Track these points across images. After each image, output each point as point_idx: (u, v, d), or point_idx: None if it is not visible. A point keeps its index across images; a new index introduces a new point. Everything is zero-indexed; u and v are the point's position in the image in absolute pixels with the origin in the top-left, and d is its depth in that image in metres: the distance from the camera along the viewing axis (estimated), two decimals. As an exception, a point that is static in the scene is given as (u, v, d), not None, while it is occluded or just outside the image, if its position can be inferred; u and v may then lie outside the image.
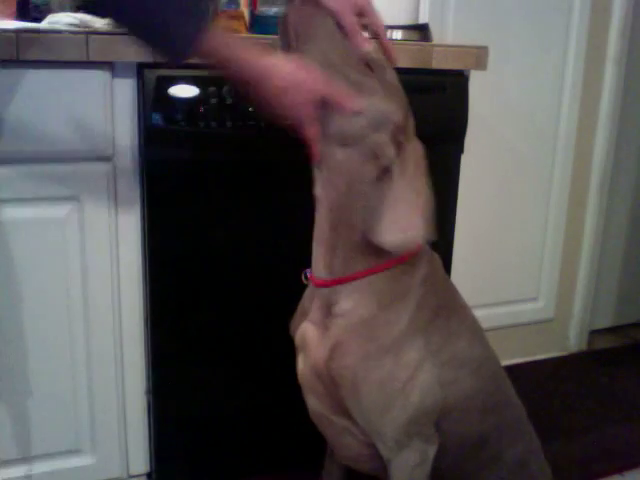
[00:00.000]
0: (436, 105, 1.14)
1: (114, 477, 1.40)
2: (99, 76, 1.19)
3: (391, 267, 1.02)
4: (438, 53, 1.41)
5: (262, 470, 1.53)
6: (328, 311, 1.05)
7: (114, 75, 1.21)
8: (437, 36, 1.70)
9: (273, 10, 1.49)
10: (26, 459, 1.33)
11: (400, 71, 1.35)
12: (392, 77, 1.00)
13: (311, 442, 1.35)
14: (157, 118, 1.23)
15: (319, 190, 1.00)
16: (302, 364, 1.10)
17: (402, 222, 0.95)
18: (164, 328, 1.35)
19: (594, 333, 2.40)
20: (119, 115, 1.23)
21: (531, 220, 2.12)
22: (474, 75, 1.50)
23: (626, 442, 1.77)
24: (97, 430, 1.36)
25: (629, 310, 2.51)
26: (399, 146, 0.95)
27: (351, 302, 1.02)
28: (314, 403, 1.10)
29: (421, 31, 1.56)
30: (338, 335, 1.02)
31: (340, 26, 0.96)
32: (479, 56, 1.45)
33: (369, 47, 0.96)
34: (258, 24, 1.49)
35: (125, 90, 1.23)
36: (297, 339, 1.11)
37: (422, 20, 1.72)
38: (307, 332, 1.08)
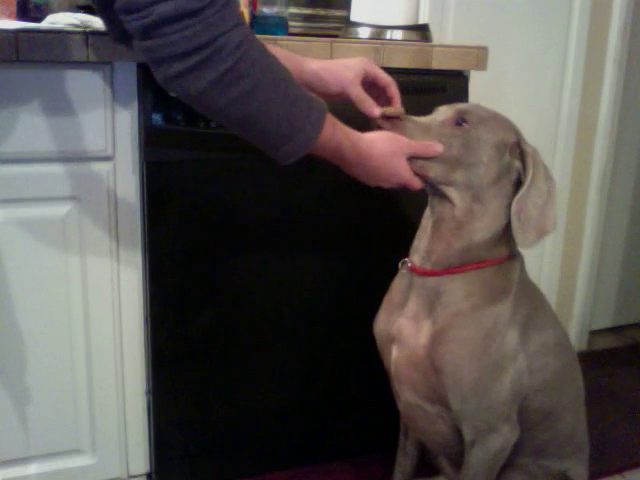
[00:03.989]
0: (436, 105, 1.14)
1: (114, 477, 1.41)
2: (99, 76, 1.19)
3: (497, 263, 1.11)
4: (438, 53, 1.41)
5: (262, 470, 1.53)
6: (432, 299, 1.11)
7: (114, 75, 1.21)
8: (437, 36, 1.70)
9: (273, 10, 1.49)
10: (26, 459, 1.33)
11: (400, 71, 1.35)
12: (488, 113, 1.11)
13: (310, 442, 1.36)
14: (157, 118, 1.23)
15: (452, 194, 1.08)
16: (397, 354, 1.16)
17: (537, 222, 1.10)
18: (164, 328, 1.35)
19: (594, 333, 2.40)
20: (119, 115, 1.23)
21: (531, 220, 2.12)
22: (474, 75, 1.50)
23: (626, 442, 1.77)
24: (97, 430, 1.37)
25: (629, 310, 2.51)
26: (522, 157, 1.09)
27: (462, 292, 1.10)
28: (409, 394, 1.17)
29: (421, 31, 1.56)
30: (446, 322, 1.09)
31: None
32: (479, 56, 1.45)
33: (377, 111, 1.08)
34: (258, 24, 1.49)
35: (125, 90, 1.23)
36: (392, 331, 1.16)
37: (422, 20, 1.72)
38: (403, 323, 1.14)
